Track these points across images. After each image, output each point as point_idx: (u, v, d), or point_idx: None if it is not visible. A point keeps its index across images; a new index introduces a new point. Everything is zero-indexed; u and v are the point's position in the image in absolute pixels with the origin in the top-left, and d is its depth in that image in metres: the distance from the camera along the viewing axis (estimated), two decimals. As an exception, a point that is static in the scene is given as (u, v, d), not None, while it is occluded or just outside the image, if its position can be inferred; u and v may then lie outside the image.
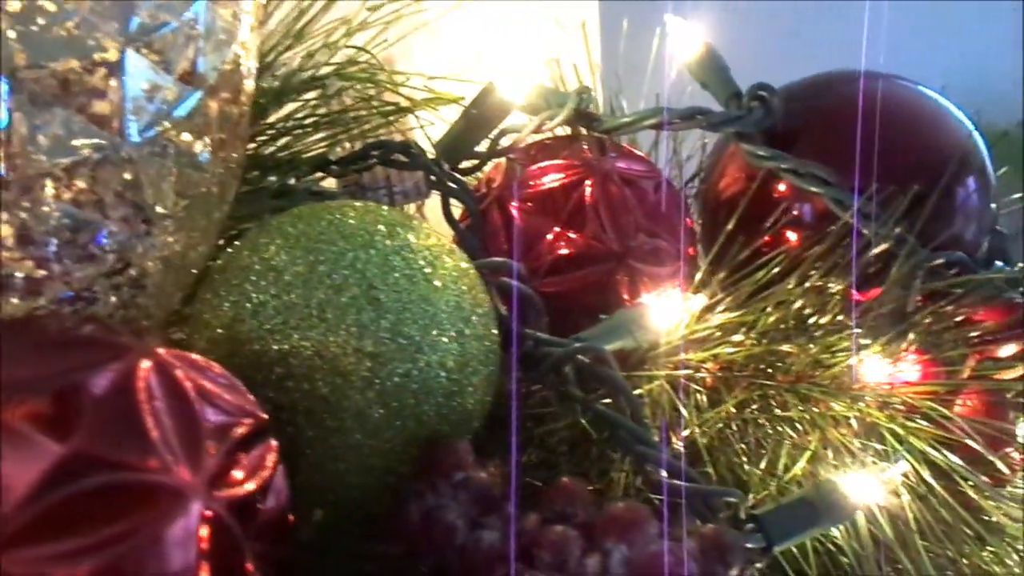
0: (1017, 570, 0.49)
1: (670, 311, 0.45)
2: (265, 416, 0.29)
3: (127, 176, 0.29)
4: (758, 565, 0.36)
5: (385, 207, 0.38)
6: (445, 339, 0.35)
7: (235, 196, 0.44)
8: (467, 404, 0.36)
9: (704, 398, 0.46)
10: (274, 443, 0.29)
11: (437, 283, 0.36)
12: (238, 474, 0.26)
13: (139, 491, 0.23)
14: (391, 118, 0.45)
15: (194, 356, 0.29)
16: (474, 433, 0.39)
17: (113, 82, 0.28)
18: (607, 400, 0.41)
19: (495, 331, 0.39)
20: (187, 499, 0.23)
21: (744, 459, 0.44)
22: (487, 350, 0.38)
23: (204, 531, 0.23)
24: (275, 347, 0.33)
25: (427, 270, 0.36)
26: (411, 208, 0.51)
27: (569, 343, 0.41)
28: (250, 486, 0.26)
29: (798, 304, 0.45)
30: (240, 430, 0.27)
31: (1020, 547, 0.52)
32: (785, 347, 0.44)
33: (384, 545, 0.37)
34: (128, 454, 0.23)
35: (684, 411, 0.45)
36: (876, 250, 0.46)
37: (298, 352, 0.33)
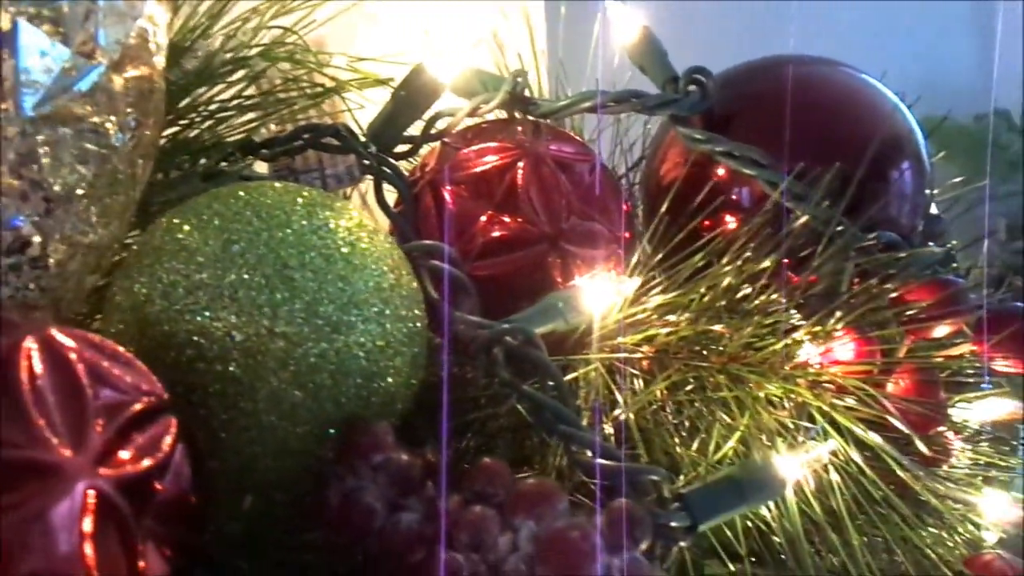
0: (958, 552, 0.50)
1: (603, 294, 0.45)
2: (164, 395, 0.29)
3: (21, 151, 0.28)
4: (683, 543, 0.36)
5: (307, 188, 0.38)
6: (364, 320, 0.35)
7: (165, 181, 0.44)
8: (389, 386, 0.36)
9: (641, 382, 0.46)
10: (174, 422, 0.28)
11: (356, 263, 0.35)
12: (128, 453, 0.25)
13: (19, 469, 0.22)
14: (318, 100, 0.44)
15: (92, 336, 0.28)
16: (402, 416, 0.38)
17: (5, 53, 0.27)
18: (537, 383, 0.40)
19: (420, 313, 0.38)
20: (69, 477, 0.23)
21: (677, 441, 0.44)
22: (411, 332, 0.37)
23: (89, 509, 0.23)
24: (185, 328, 0.33)
25: (345, 250, 0.35)
26: (354, 194, 0.51)
27: (497, 325, 0.40)
28: (144, 464, 0.26)
29: (731, 285, 0.45)
30: (135, 408, 0.27)
31: (961, 529, 0.52)
32: (718, 327, 0.44)
33: (311, 534, 0.36)
34: (7, 431, 0.23)
35: (618, 394, 0.44)
36: (802, 227, 0.46)
37: (210, 333, 0.33)
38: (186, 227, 0.34)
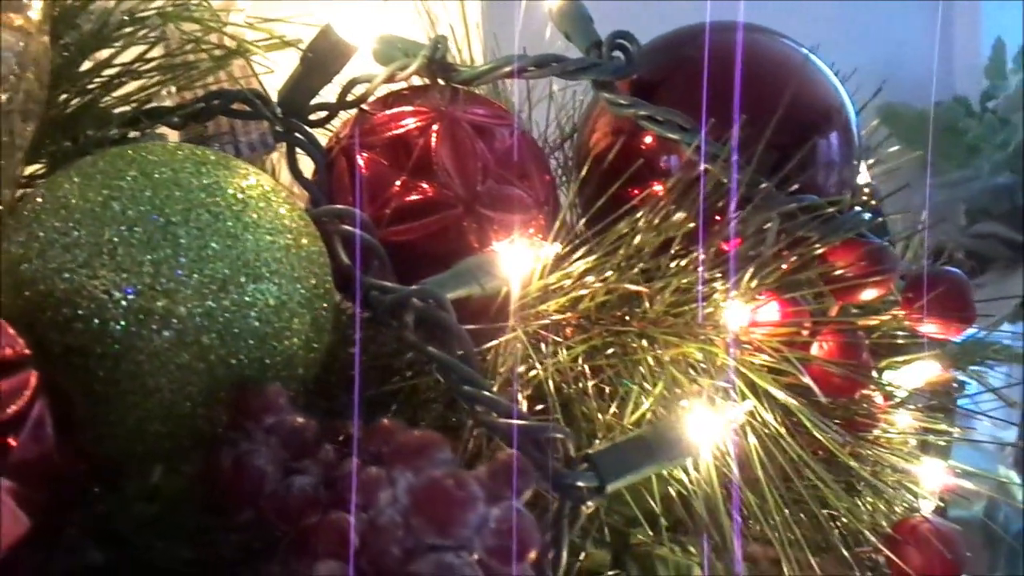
0: (884, 522, 0.49)
1: (519, 259, 0.44)
2: (24, 351, 0.27)
3: None
4: (591, 503, 0.36)
5: (202, 148, 0.36)
6: (254, 279, 0.34)
7: (74, 149, 0.42)
8: (287, 349, 0.35)
9: (564, 351, 0.45)
10: (33, 378, 0.27)
11: (248, 221, 0.34)
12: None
13: None
14: (221, 62, 0.43)
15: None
16: (313, 382, 0.37)
17: None
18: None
19: (323, 276, 0.37)
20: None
21: (595, 406, 0.43)
22: (311, 295, 0.36)
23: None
24: (62, 286, 0.31)
25: (236, 208, 0.34)
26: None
27: (405, 288, 0.39)
28: (-8, 418, 0.25)
29: (651, 247, 0.45)
30: (-15, 361, 0.25)
31: (895, 496, 0.52)
32: (639, 288, 0.43)
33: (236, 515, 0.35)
34: None
35: (537, 363, 0.44)
36: (721, 188, 0.46)
37: (87, 291, 0.32)
38: (66, 184, 0.33)
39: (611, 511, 0.46)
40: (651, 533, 0.45)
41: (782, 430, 0.41)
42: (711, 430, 0.38)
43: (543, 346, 0.45)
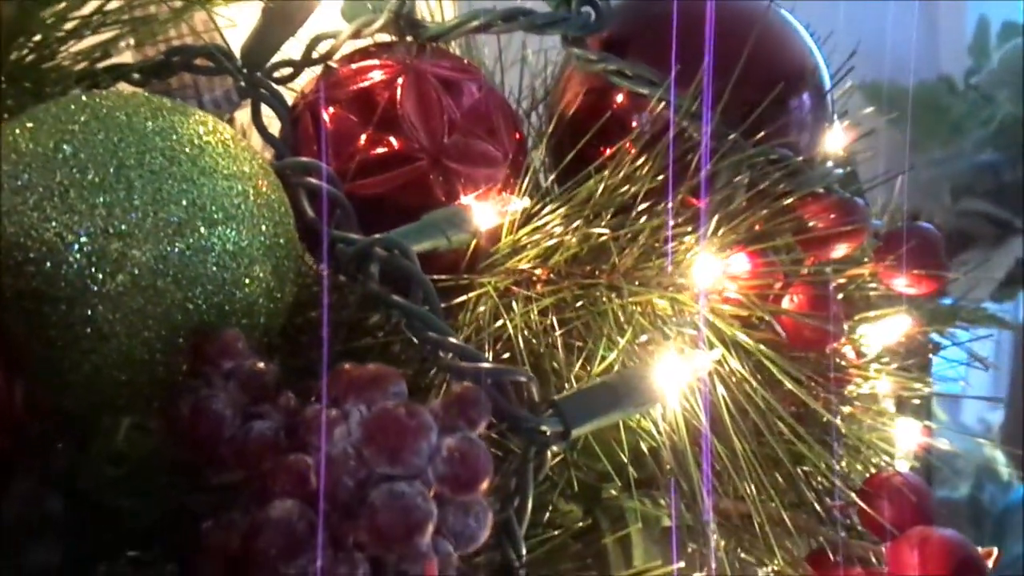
0: (857, 478, 0.49)
1: (486, 213, 0.44)
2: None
3: None
4: (555, 448, 0.36)
5: (158, 97, 0.36)
6: (210, 224, 0.33)
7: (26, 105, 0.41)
8: (247, 296, 0.35)
9: (534, 305, 0.45)
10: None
11: (204, 166, 0.34)
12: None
13: None
14: (179, 14, 0.42)
15: None
16: (268, 331, 0.37)
17: None
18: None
19: (285, 225, 0.37)
20: None
21: (563, 357, 0.43)
22: (272, 243, 0.36)
23: None
24: (12, 229, 0.31)
25: (193, 152, 0.34)
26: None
27: (369, 238, 0.39)
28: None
29: (620, 201, 0.45)
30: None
31: (869, 451, 0.52)
32: (607, 238, 0.43)
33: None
34: None
35: (507, 317, 0.43)
36: (691, 141, 0.46)
37: (39, 234, 0.31)
38: (17, 130, 0.33)
39: (581, 466, 0.46)
40: (621, 487, 0.45)
41: (752, 382, 0.41)
42: (679, 377, 0.38)
43: (513, 301, 0.44)
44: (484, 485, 0.28)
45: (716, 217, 0.45)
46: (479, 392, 0.29)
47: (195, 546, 0.35)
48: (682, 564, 0.38)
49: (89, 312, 0.32)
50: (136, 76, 0.44)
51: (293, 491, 0.29)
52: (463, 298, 0.44)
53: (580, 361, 0.43)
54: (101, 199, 0.31)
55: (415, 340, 0.36)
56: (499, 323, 0.43)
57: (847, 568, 0.44)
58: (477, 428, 0.28)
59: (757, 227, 0.45)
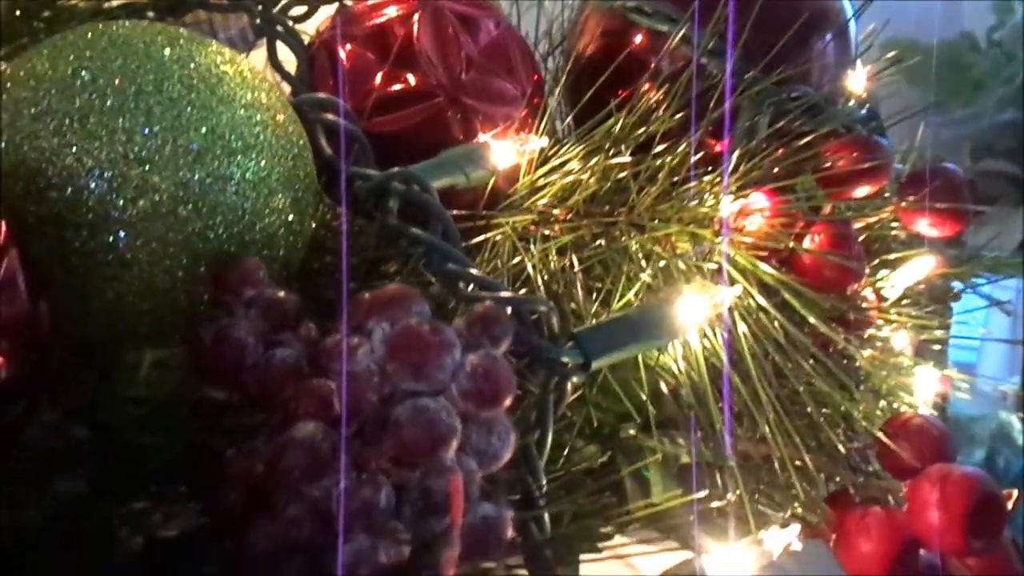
0: (877, 422, 0.49)
1: (504, 151, 0.43)
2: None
3: None
4: (575, 380, 0.35)
5: (176, 27, 0.36)
6: (230, 153, 0.33)
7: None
8: (267, 227, 0.35)
9: (553, 244, 0.45)
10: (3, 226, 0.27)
11: (222, 95, 0.33)
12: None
13: None
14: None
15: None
16: (288, 265, 0.37)
17: None
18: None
19: (304, 158, 0.37)
20: None
21: (582, 296, 0.42)
22: (291, 175, 0.36)
23: None
24: (33, 155, 0.31)
25: (211, 81, 0.33)
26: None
27: (386, 172, 0.39)
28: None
29: (639, 140, 0.44)
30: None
31: (890, 394, 0.51)
32: (627, 176, 0.43)
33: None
34: None
35: (525, 256, 0.43)
36: (713, 80, 0.45)
37: (59, 161, 0.31)
38: (36, 57, 0.33)
39: (600, 407, 0.46)
40: (640, 427, 0.45)
41: (774, 313, 0.41)
42: (699, 312, 0.38)
43: (531, 242, 0.44)
44: (507, 401, 0.28)
45: (737, 154, 0.44)
46: (502, 311, 0.29)
47: (217, 481, 0.35)
48: (704, 493, 0.38)
49: (111, 238, 0.32)
50: (151, 14, 0.44)
51: (316, 414, 0.30)
52: (481, 238, 0.44)
53: (599, 301, 0.42)
54: (120, 124, 0.31)
55: (434, 274, 0.36)
56: (517, 261, 0.43)
57: (866, 507, 0.43)
58: (500, 346, 0.28)
59: (778, 169, 0.44)
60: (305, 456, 0.28)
